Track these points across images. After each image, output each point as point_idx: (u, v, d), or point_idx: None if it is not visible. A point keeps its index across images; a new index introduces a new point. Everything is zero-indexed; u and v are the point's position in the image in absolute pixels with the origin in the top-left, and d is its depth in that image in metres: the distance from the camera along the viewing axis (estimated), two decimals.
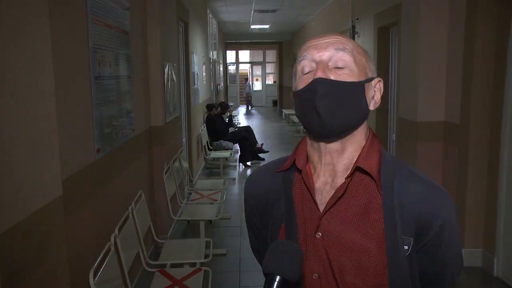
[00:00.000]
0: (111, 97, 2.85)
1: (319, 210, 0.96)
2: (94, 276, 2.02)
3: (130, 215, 2.88)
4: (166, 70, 4.34)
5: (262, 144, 8.65)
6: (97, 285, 2.01)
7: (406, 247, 0.92)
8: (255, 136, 8.54)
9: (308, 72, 0.95)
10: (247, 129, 8.51)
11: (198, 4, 7.56)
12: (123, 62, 3.16)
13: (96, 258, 2.15)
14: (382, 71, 5.70)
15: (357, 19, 6.62)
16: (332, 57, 0.94)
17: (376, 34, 5.69)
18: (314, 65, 0.94)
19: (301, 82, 0.95)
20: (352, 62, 0.94)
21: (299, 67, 0.98)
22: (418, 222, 0.93)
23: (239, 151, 8.20)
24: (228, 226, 4.77)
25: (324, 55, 0.94)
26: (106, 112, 2.74)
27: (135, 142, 3.49)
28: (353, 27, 6.79)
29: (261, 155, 8.30)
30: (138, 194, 3.27)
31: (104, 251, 2.22)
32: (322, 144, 0.97)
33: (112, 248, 2.32)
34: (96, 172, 2.53)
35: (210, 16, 9.97)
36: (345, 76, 0.93)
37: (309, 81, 0.93)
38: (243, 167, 7.87)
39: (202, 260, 3.00)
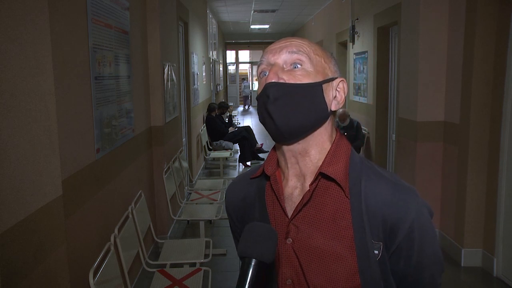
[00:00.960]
0: (111, 97, 2.85)
1: (287, 216, 0.96)
2: (94, 276, 2.02)
3: (130, 215, 2.88)
4: (165, 70, 4.34)
5: (262, 144, 8.65)
6: (97, 285, 2.01)
7: (376, 252, 0.91)
8: (255, 136, 8.54)
9: (264, 76, 0.96)
10: (247, 129, 8.51)
11: (198, 4, 7.56)
12: (123, 62, 3.16)
13: (96, 258, 2.15)
14: (382, 71, 5.71)
15: (357, 19, 6.62)
16: (287, 60, 0.94)
17: (376, 34, 5.69)
18: (270, 69, 0.95)
19: (259, 87, 0.96)
20: (308, 63, 0.93)
21: (258, 73, 0.99)
22: (385, 226, 0.91)
23: (239, 151, 8.20)
24: (228, 226, 4.75)
25: (279, 58, 0.94)
26: (106, 112, 2.74)
27: (135, 142, 3.49)
28: (353, 27, 6.80)
29: (261, 155, 8.30)
30: (138, 194, 3.27)
31: (104, 251, 2.22)
32: (285, 147, 0.96)
33: (112, 248, 2.32)
34: (96, 172, 2.53)
35: (210, 16, 9.97)
36: (300, 77, 0.92)
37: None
38: (243, 167, 7.87)
39: (202, 260, 3.00)
